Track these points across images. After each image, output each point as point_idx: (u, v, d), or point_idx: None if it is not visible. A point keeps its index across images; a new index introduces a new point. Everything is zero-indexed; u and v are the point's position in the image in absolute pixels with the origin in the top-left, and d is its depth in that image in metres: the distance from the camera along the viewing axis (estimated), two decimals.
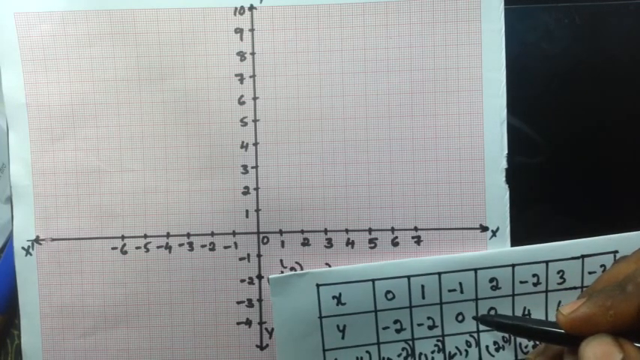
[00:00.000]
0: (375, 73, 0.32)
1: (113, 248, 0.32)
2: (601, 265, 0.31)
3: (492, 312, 0.31)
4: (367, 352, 0.31)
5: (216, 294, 0.32)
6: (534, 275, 0.31)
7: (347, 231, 0.32)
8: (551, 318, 0.31)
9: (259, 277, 0.32)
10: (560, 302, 0.31)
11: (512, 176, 0.31)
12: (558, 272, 0.31)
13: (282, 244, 0.32)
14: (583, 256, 0.31)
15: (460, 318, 0.31)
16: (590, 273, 0.31)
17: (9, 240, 0.33)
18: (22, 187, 0.32)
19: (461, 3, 0.31)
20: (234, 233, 0.32)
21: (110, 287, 0.32)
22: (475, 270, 0.31)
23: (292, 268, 0.32)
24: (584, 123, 0.32)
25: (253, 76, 0.32)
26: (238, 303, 0.32)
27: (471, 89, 0.31)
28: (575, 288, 0.31)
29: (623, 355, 0.22)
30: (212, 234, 0.32)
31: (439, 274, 0.31)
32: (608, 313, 0.23)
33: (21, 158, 0.32)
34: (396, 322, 0.31)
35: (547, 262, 0.31)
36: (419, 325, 0.31)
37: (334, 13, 0.31)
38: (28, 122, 0.32)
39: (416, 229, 0.32)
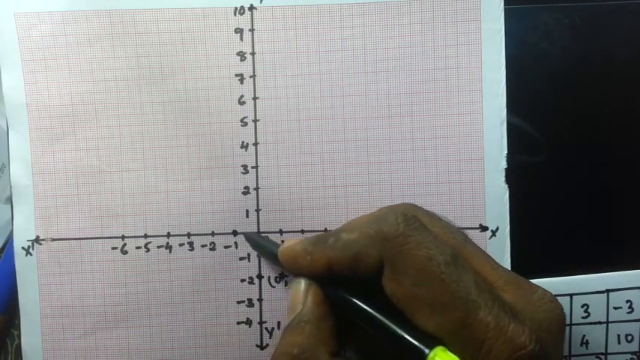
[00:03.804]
0: (375, 73, 0.32)
1: (113, 248, 0.32)
2: (627, 301, 0.31)
3: None
4: None
5: (216, 294, 0.32)
6: None
7: None
8: (574, 351, 0.31)
9: (259, 276, 0.32)
10: (583, 336, 0.31)
11: (513, 176, 0.31)
12: (582, 306, 0.31)
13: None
14: (608, 291, 0.31)
15: None
16: (615, 308, 0.31)
17: (9, 240, 0.33)
18: (22, 187, 0.32)
19: (461, 3, 0.31)
20: (234, 233, 0.32)
21: (110, 287, 0.32)
22: None
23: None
24: (584, 123, 0.32)
25: (253, 76, 0.32)
26: (238, 303, 0.32)
27: (471, 89, 0.31)
28: (600, 323, 0.31)
29: (301, 307, 0.25)
30: (212, 234, 0.32)
31: None
32: (307, 258, 0.26)
33: (21, 158, 0.32)
34: None
35: (571, 296, 0.31)
36: None
37: (334, 13, 0.31)
38: (28, 122, 0.32)
39: None
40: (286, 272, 0.31)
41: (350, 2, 0.31)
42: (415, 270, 0.22)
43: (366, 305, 0.24)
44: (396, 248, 0.23)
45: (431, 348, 0.21)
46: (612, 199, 0.32)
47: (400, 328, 0.23)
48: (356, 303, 0.24)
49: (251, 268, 0.32)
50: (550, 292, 0.23)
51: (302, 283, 0.26)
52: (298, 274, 0.27)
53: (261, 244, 0.31)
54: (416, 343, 0.22)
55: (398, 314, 0.23)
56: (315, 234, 0.27)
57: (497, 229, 0.31)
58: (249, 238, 0.32)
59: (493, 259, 0.25)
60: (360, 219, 0.27)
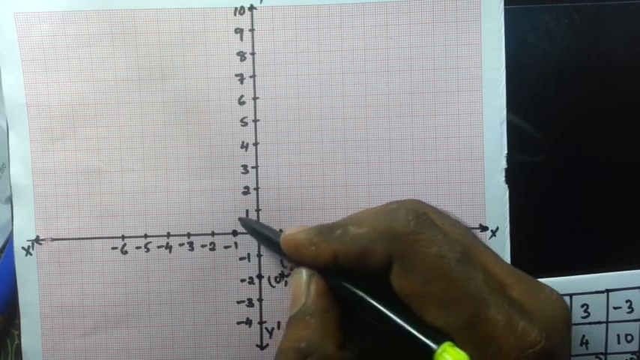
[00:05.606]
0: (375, 73, 0.32)
1: (113, 248, 0.32)
2: (627, 300, 0.31)
3: None
4: None
5: (216, 294, 0.32)
6: None
7: None
8: (574, 351, 0.31)
9: (259, 276, 0.32)
10: (583, 336, 0.31)
11: (512, 176, 0.31)
12: (582, 306, 0.31)
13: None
14: (608, 291, 0.31)
15: None
16: (615, 308, 0.31)
17: (9, 240, 0.33)
18: (22, 187, 0.32)
19: (461, 3, 0.31)
20: (234, 233, 0.32)
21: (110, 287, 0.32)
22: None
23: (291, 268, 0.32)
24: (584, 123, 0.32)
25: (253, 76, 0.32)
26: (238, 303, 0.32)
27: (471, 89, 0.31)
28: (600, 322, 0.31)
29: (305, 299, 0.25)
30: (212, 234, 0.32)
31: None
32: (311, 248, 0.25)
33: (21, 158, 0.32)
34: None
35: (571, 295, 0.31)
36: None
37: (334, 13, 0.31)
38: (28, 122, 0.32)
39: None
40: (287, 260, 0.31)
41: (350, 2, 0.31)
42: (426, 267, 0.22)
43: (371, 298, 0.24)
44: (407, 245, 0.23)
45: (439, 343, 0.21)
46: (612, 198, 0.32)
47: (407, 322, 0.22)
48: (361, 296, 0.24)
49: (251, 268, 0.32)
50: (557, 291, 0.23)
51: (303, 274, 0.26)
52: (301, 264, 0.26)
53: (260, 232, 0.30)
54: (423, 338, 0.21)
55: (403, 307, 0.23)
56: (319, 224, 0.27)
57: (497, 229, 0.31)
58: (246, 224, 0.31)
59: (500, 257, 0.25)
60: (367, 212, 0.26)
